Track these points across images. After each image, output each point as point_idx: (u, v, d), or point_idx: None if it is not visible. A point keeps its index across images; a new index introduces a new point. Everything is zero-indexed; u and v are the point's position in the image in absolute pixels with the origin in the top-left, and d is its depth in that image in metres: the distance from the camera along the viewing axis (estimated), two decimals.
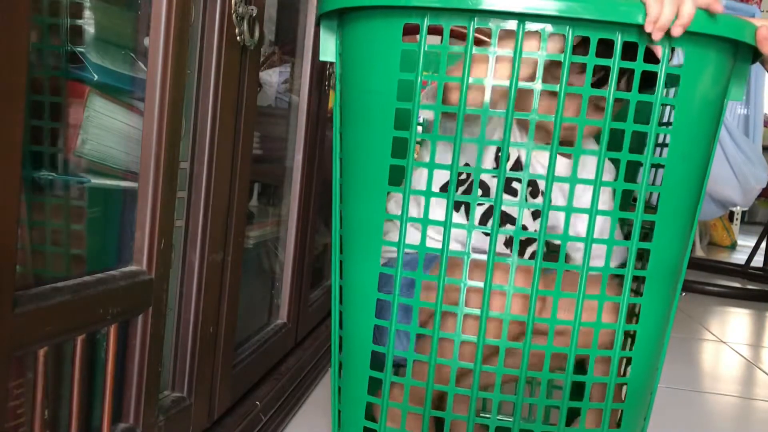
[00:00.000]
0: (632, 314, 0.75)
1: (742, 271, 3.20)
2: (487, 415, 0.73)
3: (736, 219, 4.69)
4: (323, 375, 1.30)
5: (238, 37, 0.78)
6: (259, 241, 1.13)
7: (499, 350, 0.69)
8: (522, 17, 0.63)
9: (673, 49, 0.64)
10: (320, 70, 1.21)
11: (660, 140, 0.74)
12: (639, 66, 0.64)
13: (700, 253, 3.87)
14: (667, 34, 0.61)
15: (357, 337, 0.77)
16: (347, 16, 0.73)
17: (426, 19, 0.65)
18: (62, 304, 0.53)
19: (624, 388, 0.75)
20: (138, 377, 0.66)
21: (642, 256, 0.72)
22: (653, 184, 0.74)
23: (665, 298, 0.73)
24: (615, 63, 0.63)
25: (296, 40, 1.26)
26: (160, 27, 0.64)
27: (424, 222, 0.69)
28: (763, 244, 3.35)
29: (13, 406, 0.53)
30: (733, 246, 4.53)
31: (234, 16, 0.77)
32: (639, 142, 0.70)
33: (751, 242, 3.49)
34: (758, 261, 3.39)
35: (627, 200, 0.68)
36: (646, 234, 0.70)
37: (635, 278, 0.71)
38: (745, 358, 1.80)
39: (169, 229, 0.69)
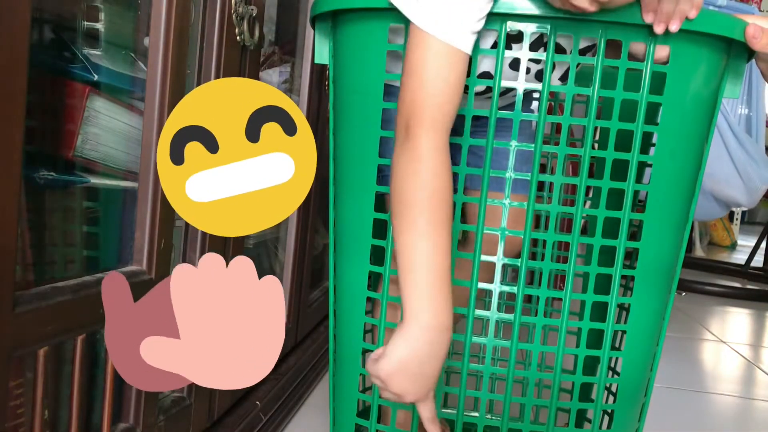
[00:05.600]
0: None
1: (742, 271, 3.20)
2: (475, 414, 0.73)
3: (736, 219, 4.69)
4: (323, 375, 1.30)
5: (238, 37, 0.79)
6: (259, 241, 1.13)
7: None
8: (504, 17, 0.63)
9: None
10: (320, 70, 1.21)
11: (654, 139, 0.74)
12: (623, 64, 0.64)
13: (700, 253, 3.87)
14: (652, 32, 0.61)
15: (348, 335, 0.77)
16: (338, 18, 0.74)
17: None
18: (62, 304, 0.53)
19: None
20: None
21: (632, 255, 0.72)
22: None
23: (657, 297, 0.73)
24: (599, 62, 0.64)
25: (296, 40, 1.26)
26: (160, 27, 0.64)
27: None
28: (763, 244, 3.35)
29: (13, 406, 0.53)
30: (733, 246, 4.53)
31: (234, 16, 0.77)
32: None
33: (751, 242, 3.49)
34: (758, 261, 3.39)
35: (621, 200, 0.67)
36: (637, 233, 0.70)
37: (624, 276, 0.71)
38: (745, 358, 1.80)
39: (169, 229, 0.69)
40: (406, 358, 0.61)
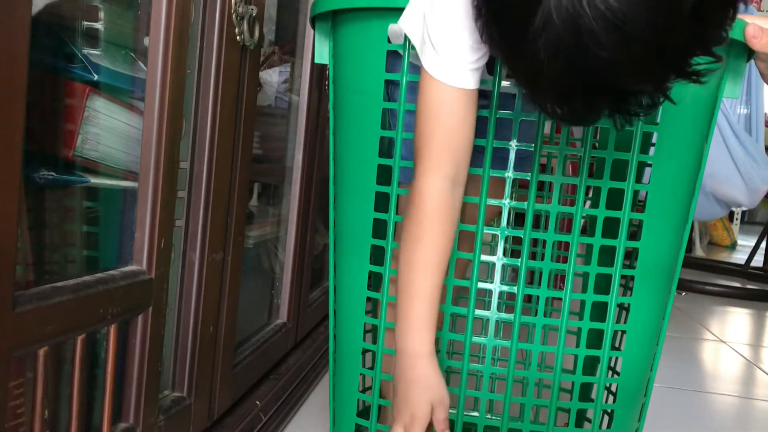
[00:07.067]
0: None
1: (742, 271, 3.20)
2: (475, 413, 0.73)
3: (736, 219, 4.68)
4: (323, 375, 1.30)
5: (238, 37, 0.79)
6: (259, 241, 1.13)
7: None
8: None
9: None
10: (320, 70, 1.21)
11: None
12: None
13: (700, 253, 3.87)
14: None
15: (348, 335, 0.77)
16: (338, 18, 0.74)
17: None
18: (62, 304, 0.53)
19: None
20: (138, 377, 0.66)
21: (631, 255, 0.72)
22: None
23: (657, 297, 0.73)
24: None
25: (296, 40, 1.26)
26: (160, 27, 0.64)
27: None
28: (763, 244, 3.35)
29: (13, 406, 0.53)
30: (733, 246, 4.52)
31: (234, 16, 0.77)
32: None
33: (751, 242, 3.49)
34: (758, 261, 3.38)
35: (620, 200, 0.67)
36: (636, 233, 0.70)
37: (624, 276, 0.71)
38: (745, 358, 1.80)
39: (169, 229, 0.69)
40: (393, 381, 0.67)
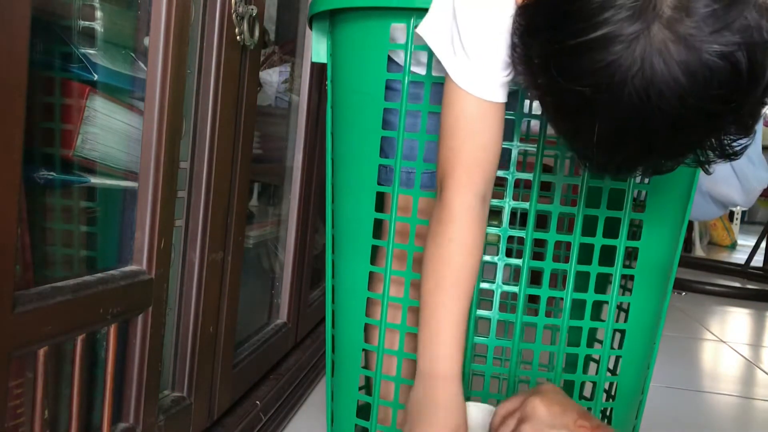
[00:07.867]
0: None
1: (742, 270, 3.20)
2: None
3: (736, 219, 4.69)
4: (323, 375, 1.30)
5: (238, 37, 0.79)
6: (259, 241, 1.13)
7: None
8: None
9: None
10: (320, 70, 1.21)
11: None
12: None
13: (700, 252, 3.87)
14: None
15: (348, 335, 0.77)
16: (337, 17, 0.74)
17: (412, 21, 0.65)
18: (62, 303, 0.53)
19: None
20: (138, 377, 0.66)
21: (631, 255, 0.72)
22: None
23: (655, 296, 0.73)
24: None
25: (296, 40, 1.26)
26: (160, 27, 0.64)
27: (413, 221, 0.69)
28: (763, 244, 3.35)
29: (13, 406, 0.53)
30: (733, 246, 4.52)
31: (234, 15, 0.77)
32: None
33: (751, 242, 3.49)
34: (758, 261, 3.38)
35: (620, 202, 0.67)
36: (635, 233, 0.70)
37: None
38: (745, 358, 1.80)
39: (169, 229, 0.69)
40: (408, 404, 0.65)
